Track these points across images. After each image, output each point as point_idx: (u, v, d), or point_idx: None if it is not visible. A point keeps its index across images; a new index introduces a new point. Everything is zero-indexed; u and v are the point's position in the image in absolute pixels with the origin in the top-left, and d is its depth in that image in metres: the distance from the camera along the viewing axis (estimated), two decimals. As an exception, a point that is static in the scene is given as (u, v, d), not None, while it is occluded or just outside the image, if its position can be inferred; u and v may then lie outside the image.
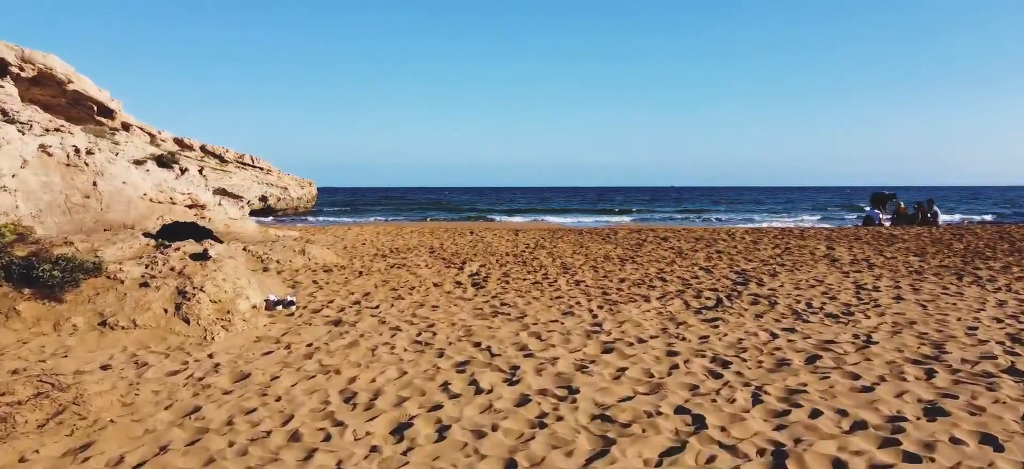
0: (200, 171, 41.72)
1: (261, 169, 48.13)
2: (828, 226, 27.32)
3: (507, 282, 9.93)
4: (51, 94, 26.03)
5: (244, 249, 10.87)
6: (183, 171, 14.38)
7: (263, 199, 42.96)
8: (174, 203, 13.53)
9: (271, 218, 37.56)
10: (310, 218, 38.58)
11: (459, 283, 9.88)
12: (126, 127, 42.86)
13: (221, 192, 41.59)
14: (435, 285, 9.64)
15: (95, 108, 32.73)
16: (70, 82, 25.66)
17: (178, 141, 46.72)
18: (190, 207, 14.16)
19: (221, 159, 46.98)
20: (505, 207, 67.63)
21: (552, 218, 40.50)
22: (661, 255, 13.33)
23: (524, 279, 10.25)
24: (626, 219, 40.10)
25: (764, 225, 30.43)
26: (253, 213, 41.70)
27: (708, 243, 15.65)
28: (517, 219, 40.70)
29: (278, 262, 10.67)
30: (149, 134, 44.88)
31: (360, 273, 10.73)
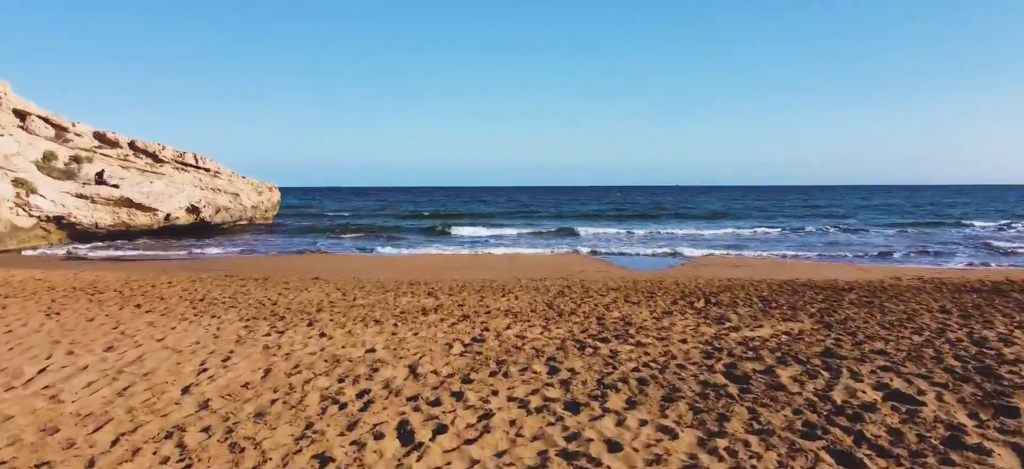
0: (99, 175, 31.19)
1: (207, 171, 37.61)
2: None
3: None
4: None
5: None
6: None
7: (193, 210, 32.02)
8: None
9: (141, 245, 25.75)
10: (238, 243, 27.37)
11: None
12: (21, 116, 33.18)
13: (126, 203, 30.03)
14: None
15: (-33, 93, 22.57)
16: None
17: (99, 135, 36.60)
18: None
19: (154, 158, 36.74)
20: (502, 216, 49.10)
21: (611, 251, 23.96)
22: None
23: None
24: (690, 249, 25.25)
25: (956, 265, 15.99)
26: (175, 230, 30.51)
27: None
28: (541, 248, 25.08)
29: None
30: (57, 126, 35.19)
31: None
